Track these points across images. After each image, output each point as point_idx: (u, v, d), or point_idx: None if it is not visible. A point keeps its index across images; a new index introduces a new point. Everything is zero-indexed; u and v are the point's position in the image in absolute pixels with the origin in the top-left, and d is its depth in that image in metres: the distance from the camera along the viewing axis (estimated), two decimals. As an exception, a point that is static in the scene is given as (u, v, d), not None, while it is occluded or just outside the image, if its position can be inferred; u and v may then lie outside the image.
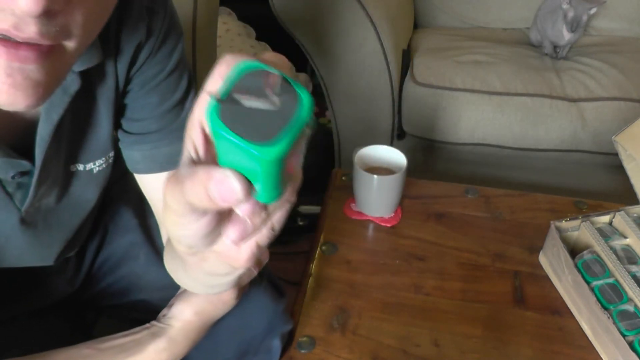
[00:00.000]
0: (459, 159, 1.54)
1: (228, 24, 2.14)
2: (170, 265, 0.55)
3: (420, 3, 1.80)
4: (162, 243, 0.78)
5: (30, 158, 0.51)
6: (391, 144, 1.02)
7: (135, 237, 0.79)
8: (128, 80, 0.58)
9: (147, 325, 0.62)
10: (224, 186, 0.29)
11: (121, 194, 0.79)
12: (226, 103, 0.28)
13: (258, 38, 2.19)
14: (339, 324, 0.81)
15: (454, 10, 1.78)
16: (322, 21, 1.39)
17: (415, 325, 0.81)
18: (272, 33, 1.85)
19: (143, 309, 0.77)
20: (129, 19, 0.54)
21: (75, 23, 0.38)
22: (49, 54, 0.38)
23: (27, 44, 0.36)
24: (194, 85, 0.64)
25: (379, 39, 1.36)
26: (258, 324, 0.72)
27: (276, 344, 0.73)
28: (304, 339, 0.78)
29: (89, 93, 0.54)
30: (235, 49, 2.03)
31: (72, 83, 0.50)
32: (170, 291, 0.71)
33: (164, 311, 0.64)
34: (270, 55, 0.32)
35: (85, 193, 0.62)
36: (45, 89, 0.40)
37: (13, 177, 0.51)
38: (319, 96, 1.84)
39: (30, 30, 0.35)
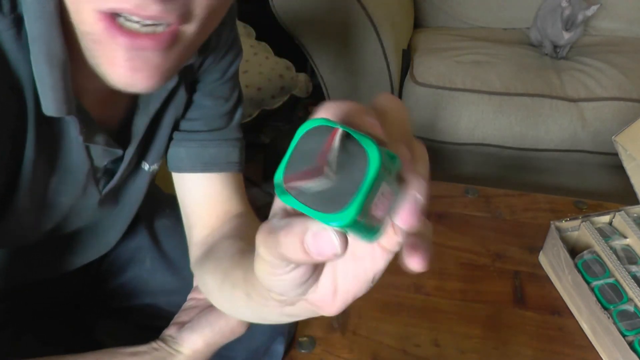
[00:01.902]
0: (459, 159, 1.54)
1: (228, 24, 2.14)
2: (223, 297, 0.55)
3: (420, 3, 1.80)
4: (169, 247, 0.78)
5: (122, 147, 0.55)
6: (391, 144, 1.02)
7: (141, 240, 0.79)
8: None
9: (155, 345, 0.61)
10: (322, 240, 0.27)
11: None
12: (289, 187, 0.27)
13: (258, 38, 2.19)
14: (339, 324, 0.81)
15: (454, 10, 1.78)
16: (322, 21, 1.39)
17: (415, 325, 0.81)
18: (272, 33, 1.85)
19: (149, 313, 0.77)
20: None
21: (196, 4, 0.40)
22: (167, 42, 0.40)
23: (147, 35, 0.39)
24: (242, 101, 0.67)
25: (379, 39, 1.36)
26: (264, 329, 0.72)
27: (279, 349, 0.74)
28: (304, 339, 0.78)
29: (174, 93, 0.58)
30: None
31: (172, 79, 0.53)
32: (176, 296, 0.71)
33: (172, 332, 0.63)
34: (385, 100, 0.29)
35: (140, 193, 0.65)
36: (163, 72, 0.42)
37: (105, 165, 0.56)
38: (319, 96, 1.84)
39: (152, 9, 0.37)
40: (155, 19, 0.38)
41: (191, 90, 0.61)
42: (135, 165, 0.61)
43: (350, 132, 0.26)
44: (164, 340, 0.62)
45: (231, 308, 0.55)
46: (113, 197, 0.63)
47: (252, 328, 0.65)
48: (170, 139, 0.63)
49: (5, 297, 0.68)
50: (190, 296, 0.69)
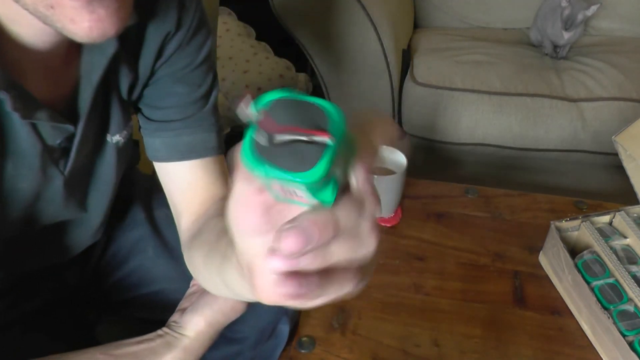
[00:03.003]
0: (459, 159, 1.54)
1: (228, 24, 2.14)
2: (207, 270, 0.55)
3: (420, 3, 1.80)
4: (170, 235, 0.78)
5: (72, 123, 0.53)
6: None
7: (142, 231, 0.79)
8: (153, 72, 0.60)
9: (160, 332, 0.62)
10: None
11: (126, 189, 0.79)
12: (259, 136, 0.27)
13: (258, 38, 2.19)
14: (339, 324, 0.81)
15: (454, 10, 1.78)
16: (322, 21, 1.39)
17: (415, 325, 0.81)
18: (272, 33, 1.85)
19: (154, 303, 0.77)
20: (158, 6, 0.55)
21: None
22: None
23: None
24: (217, 83, 0.66)
25: (379, 39, 1.36)
26: (269, 309, 0.73)
27: (285, 329, 0.75)
28: (304, 339, 0.78)
29: (117, 62, 0.56)
30: (235, 49, 2.03)
31: (109, 45, 0.52)
32: (179, 283, 0.72)
33: (175, 317, 0.64)
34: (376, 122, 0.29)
35: (111, 168, 0.63)
36: (125, 11, 0.43)
37: (59, 144, 0.54)
38: (318, 96, 1.84)
39: None
40: None
41: (152, 72, 0.60)
42: (98, 140, 0.60)
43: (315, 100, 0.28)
44: (169, 327, 0.63)
45: (212, 280, 0.55)
46: (82, 176, 0.61)
47: (257, 309, 0.66)
48: (129, 110, 0.61)
49: (9, 291, 0.68)
50: (192, 282, 0.69)
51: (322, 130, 0.27)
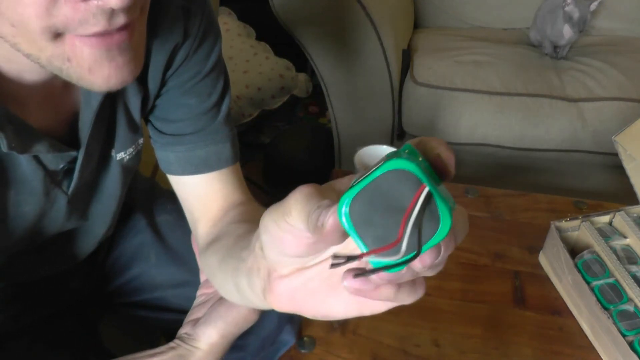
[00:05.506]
0: (459, 159, 1.54)
1: (228, 24, 2.14)
2: (222, 273, 0.55)
3: (420, 3, 1.80)
4: (173, 241, 0.78)
5: (74, 145, 0.53)
6: (391, 144, 1.02)
7: (144, 237, 0.79)
8: (164, 83, 0.59)
9: (172, 344, 0.61)
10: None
11: (128, 195, 0.79)
12: (358, 204, 0.29)
13: (258, 38, 2.19)
14: (339, 324, 0.81)
15: (454, 10, 1.78)
16: (322, 21, 1.39)
17: (415, 325, 0.81)
18: (272, 33, 1.85)
19: (156, 307, 0.77)
20: (164, 19, 0.54)
21: None
22: (134, 26, 0.41)
23: (118, 30, 0.39)
24: (229, 87, 0.64)
25: (379, 39, 1.36)
26: (272, 318, 0.73)
27: (286, 338, 0.74)
28: (305, 339, 0.78)
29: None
30: (235, 49, 2.03)
31: None
32: (184, 288, 0.71)
33: (187, 329, 0.63)
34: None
35: (116, 183, 0.63)
36: (140, 59, 0.44)
37: (62, 168, 0.54)
38: (319, 96, 1.84)
39: (120, 21, 0.38)
40: (124, 23, 0.39)
41: (162, 84, 0.59)
42: (103, 156, 0.59)
43: (434, 194, 0.28)
44: (181, 339, 0.62)
45: (226, 284, 0.55)
46: (86, 192, 0.61)
47: (261, 317, 0.65)
48: (137, 128, 0.61)
49: (15, 301, 0.68)
50: (199, 292, 0.69)
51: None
